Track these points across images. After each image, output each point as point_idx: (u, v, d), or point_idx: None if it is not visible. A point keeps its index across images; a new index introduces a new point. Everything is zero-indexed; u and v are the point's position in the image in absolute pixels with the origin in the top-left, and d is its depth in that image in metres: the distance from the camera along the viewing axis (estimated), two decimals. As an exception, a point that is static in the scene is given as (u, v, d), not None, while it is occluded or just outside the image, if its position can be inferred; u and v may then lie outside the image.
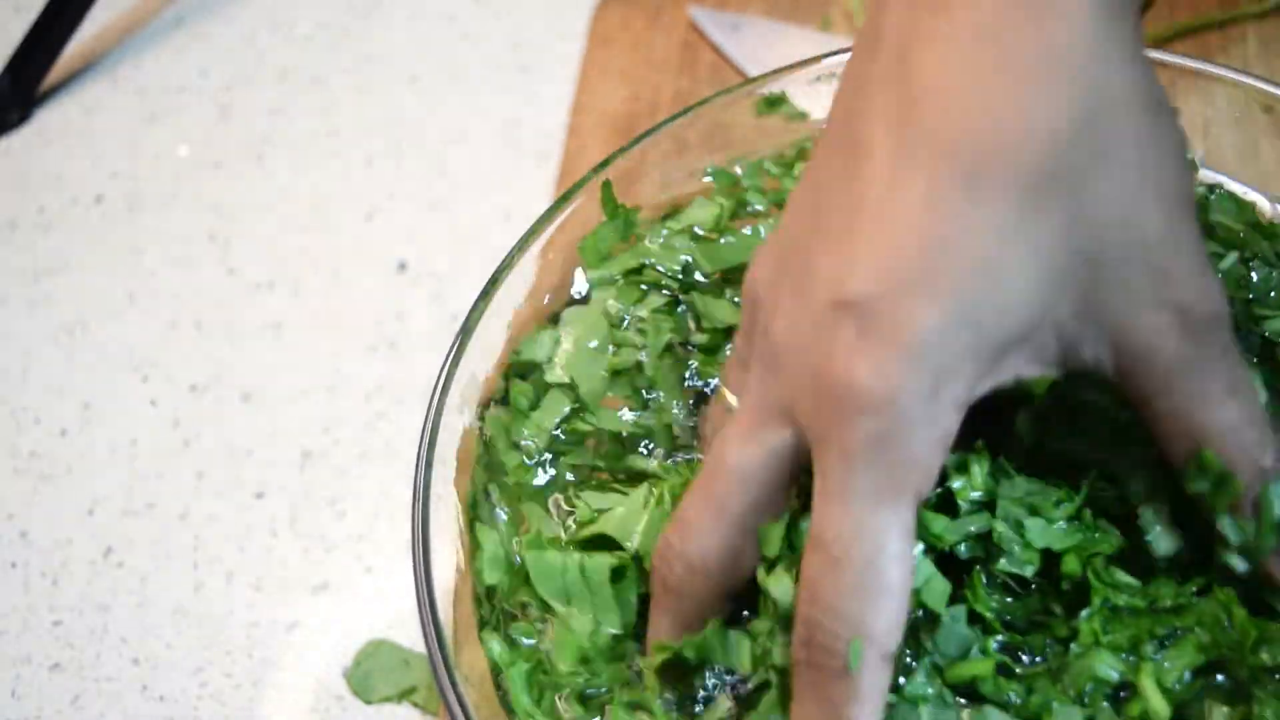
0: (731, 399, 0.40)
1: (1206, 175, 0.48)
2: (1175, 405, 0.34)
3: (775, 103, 0.56)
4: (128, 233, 0.76)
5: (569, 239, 0.50)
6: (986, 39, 0.32)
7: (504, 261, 0.47)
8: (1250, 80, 0.48)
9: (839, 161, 0.35)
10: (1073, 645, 0.36)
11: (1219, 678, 0.36)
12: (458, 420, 0.45)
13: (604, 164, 0.51)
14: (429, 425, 0.43)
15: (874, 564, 0.32)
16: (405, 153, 0.77)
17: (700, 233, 0.50)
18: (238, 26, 0.86)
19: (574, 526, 0.43)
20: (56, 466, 0.65)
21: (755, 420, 0.36)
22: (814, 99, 0.54)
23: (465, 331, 0.45)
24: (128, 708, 0.56)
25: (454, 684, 0.38)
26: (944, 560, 0.36)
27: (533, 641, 0.41)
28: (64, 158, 0.81)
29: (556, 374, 0.47)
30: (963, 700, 0.36)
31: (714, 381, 0.46)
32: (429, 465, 0.43)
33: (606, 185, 0.49)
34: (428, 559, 0.41)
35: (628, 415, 0.46)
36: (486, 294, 0.47)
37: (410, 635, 0.57)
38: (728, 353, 0.45)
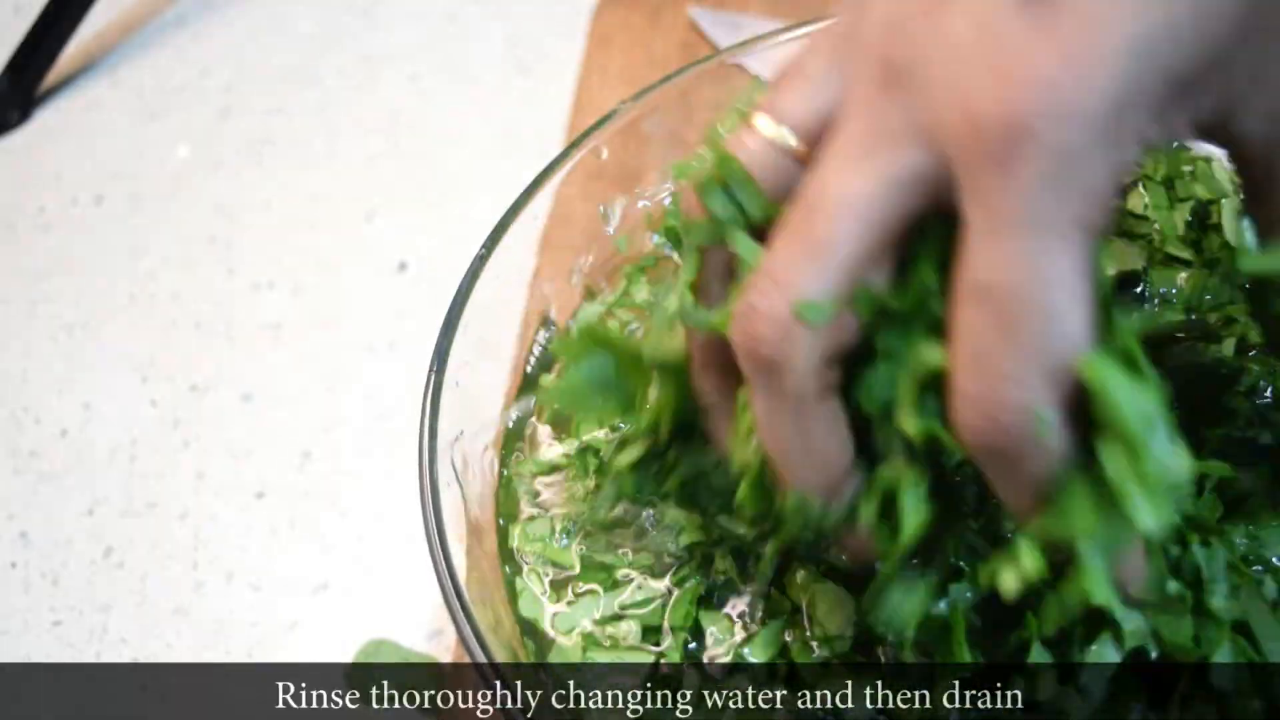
0: (776, 131, 0.31)
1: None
2: None
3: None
4: (128, 233, 0.76)
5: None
6: None
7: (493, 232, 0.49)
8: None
9: None
10: None
11: None
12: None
13: (578, 140, 0.52)
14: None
15: (1055, 312, 0.27)
16: (405, 153, 0.77)
17: None
18: (238, 26, 0.86)
19: None
20: (56, 466, 0.65)
21: (870, 144, 0.29)
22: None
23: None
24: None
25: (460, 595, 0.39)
26: None
27: None
28: (64, 158, 0.81)
29: None
30: None
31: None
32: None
33: None
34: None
35: None
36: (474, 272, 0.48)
37: (410, 635, 0.57)
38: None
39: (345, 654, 0.57)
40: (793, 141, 0.31)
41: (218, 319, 0.70)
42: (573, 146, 0.51)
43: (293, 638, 0.58)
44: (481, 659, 0.39)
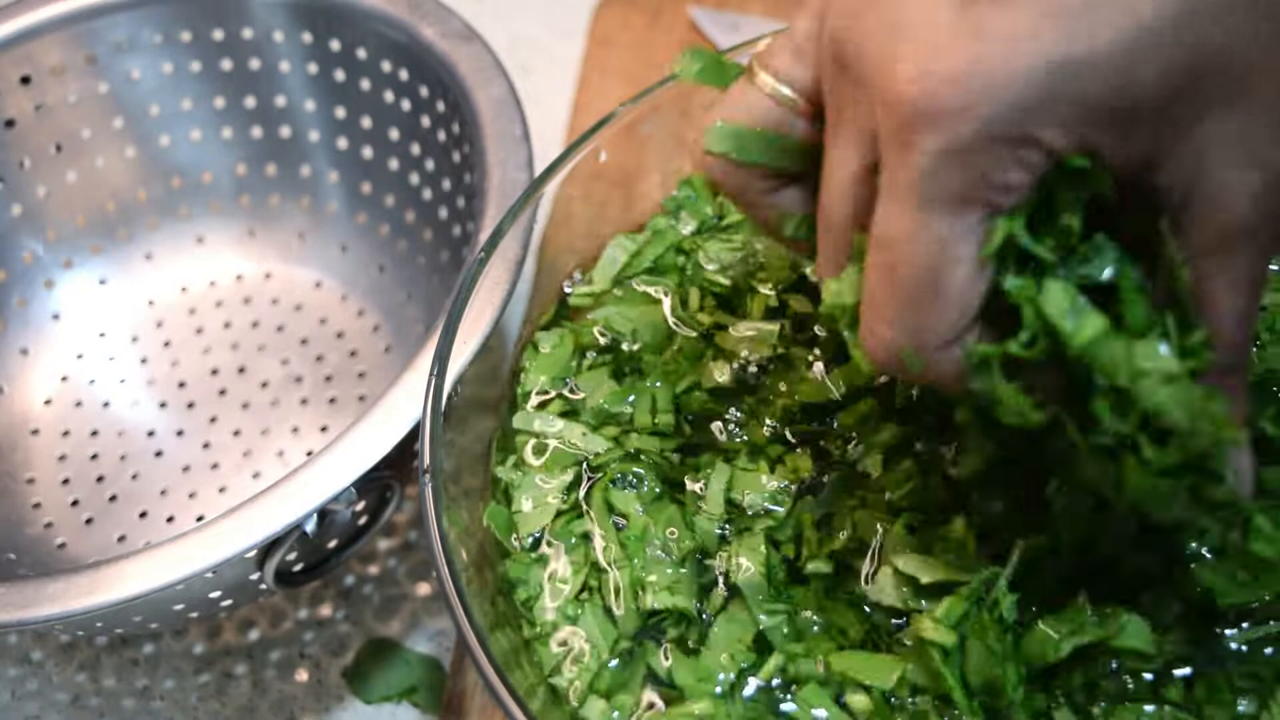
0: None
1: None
2: (1205, 268, 0.32)
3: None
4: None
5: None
6: None
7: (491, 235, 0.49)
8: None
9: None
10: None
11: None
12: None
13: (576, 144, 0.52)
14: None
15: (930, 265, 0.31)
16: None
17: None
18: (238, 26, 0.86)
19: None
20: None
21: (833, 122, 0.35)
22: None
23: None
24: (128, 707, 0.57)
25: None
26: None
27: None
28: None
29: None
30: None
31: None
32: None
33: None
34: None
35: None
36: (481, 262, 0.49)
37: (410, 635, 0.57)
38: None
39: (345, 654, 0.57)
40: (791, 95, 0.37)
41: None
42: (572, 148, 0.51)
43: (292, 638, 0.58)
44: (482, 659, 0.39)
